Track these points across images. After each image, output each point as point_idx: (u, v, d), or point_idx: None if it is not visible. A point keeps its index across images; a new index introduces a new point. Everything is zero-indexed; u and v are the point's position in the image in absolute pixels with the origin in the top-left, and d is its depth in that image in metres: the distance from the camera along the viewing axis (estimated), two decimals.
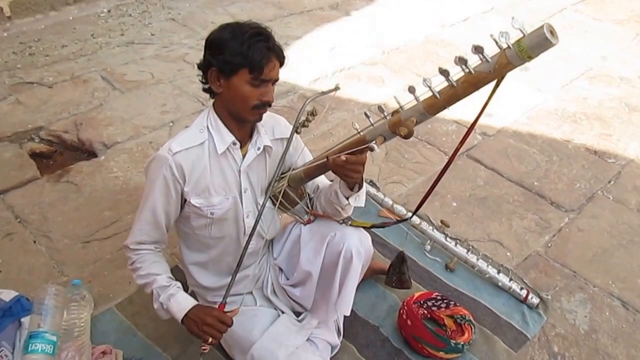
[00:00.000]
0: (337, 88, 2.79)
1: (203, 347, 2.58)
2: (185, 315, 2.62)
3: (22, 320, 3.07)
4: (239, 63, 2.43)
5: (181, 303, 2.66)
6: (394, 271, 3.32)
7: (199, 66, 2.61)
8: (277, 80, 2.57)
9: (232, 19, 2.59)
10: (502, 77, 2.00)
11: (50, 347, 2.79)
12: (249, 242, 2.67)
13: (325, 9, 8.06)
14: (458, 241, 4.00)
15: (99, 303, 3.44)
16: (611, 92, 6.44)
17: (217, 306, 2.75)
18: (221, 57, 2.46)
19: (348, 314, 2.96)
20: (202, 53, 2.59)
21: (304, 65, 6.19)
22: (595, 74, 6.81)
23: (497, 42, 1.92)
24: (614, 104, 6.20)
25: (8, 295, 3.19)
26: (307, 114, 2.74)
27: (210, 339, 2.54)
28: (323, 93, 2.80)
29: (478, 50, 1.93)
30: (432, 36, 7.48)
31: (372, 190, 4.44)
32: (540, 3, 8.78)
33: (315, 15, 7.82)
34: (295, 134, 2.82)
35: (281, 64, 2.56)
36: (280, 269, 3.17)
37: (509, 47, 1.90)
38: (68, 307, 3.06)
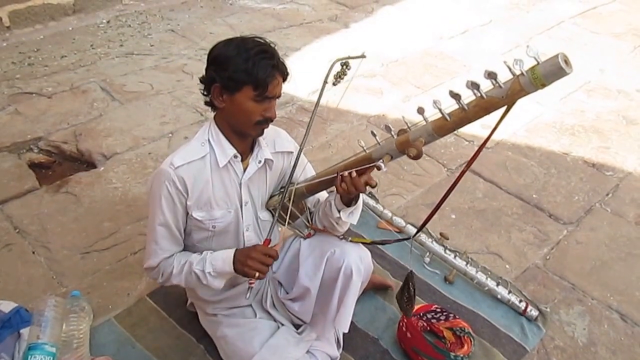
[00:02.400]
0: (363, 55, 2.84)
1: (250, 282, 2.60)
2: (234, 263, 2.65)
3: (22, 331, 3.08)
4: (244, 80, 2.44)
5: (223, 257, 2.70)
6: (408, 296, 3.32)
7: (202, 80, 2.61)
8: (279, 96, 2.58)
9: (231, 30, 2.60)
10: (513, 104, 2.01)
11: (50, 359, 2.80)
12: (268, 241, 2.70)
13: (325, 21, 8.09)
14: (457, 253, 4.00)
15: (98, 314, 3.44)
16: (609, 105, 6.46)
17: (217, 317, 2.76)
18: (225, 73, 2.47)
19: (346, 330, 2.96)
20: (203, 65, 2.59)
21: (302, 77, 6.19)
22: (593, 86, 6.84)
23: (510, 69, 1.93)
24: (611, 117, 6.22)
25: (7, 306, 3.20)
26: (342, 65, 2.78)
27: (257, 274, 2.56)
28: (350, 57, 2.86)
29: (491, 76, 1.94)
30: (430, 49, 7.51)
31: (371, 202, 4.45)
32: (538, 16, 8.82)
33: (314, 27, 7.86)
34: (296, 151, 2.85)
35: (284, 80, 2.57)
36: (280, 283, 3.17)
37: (522, 74, 1.90)
38: (67, 318, 3.08)
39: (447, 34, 7.97)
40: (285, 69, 2.55)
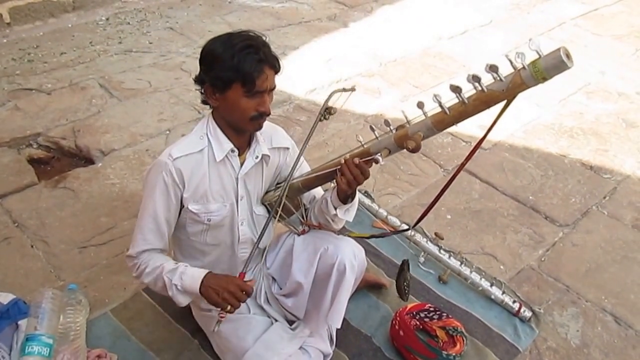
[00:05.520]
0: (353, 89, 2.86)
1: (221, 315, 2.57)
2: (202, 284, 2.61)
3: (19, 322, 3.10)
4: (231, 78, 2.45)
5: (194, 276, 2.64)
6: (404, 283, 3.33)
7: (195, 80, 2.63)
8: (273, 88, 2.58)
9: (230, 28, 2.60)
10: (514, 98, 2.02)
11: (47, 350, 2.82)
12: (258, 244, 2.73)
13: (323, 20, 8.09)
14: (452, 254, 4.01)
15: (94, 308, 3.45)
16: (608, 107, 6.46)
17: (211, 312, 2.78)
18: (213, 73, 2.49)
19: (339, 326, 2.96)
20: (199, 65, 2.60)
21: (300, 76, 6.20)
22: (593, 89, 6.83)
23: (512, 62, 1.94)
24: (611, 120, 6.22)
25: (6, 298, 3.22)
26: (326, 110, 2.80)
27: (229, 307, 2.53)
28: (345, 90, 2.87)
29: (492, 69, 1.95)
30: (429, 49, 7.51)
31: (367, 201, 4.46)
32: (539, 17, 8.82)
33: (313, 26, 7.86)
34: (293, 148, 2.86)
35: (276, 71, 2.57)
36: (273, 279, 3.18)
37: (524, 67, 1.91)
38: (64, 311, 3.10)
39: (447, 34, 7.96)
40: (275, 59, 2.55)
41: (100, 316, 3.43)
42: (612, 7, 9.47)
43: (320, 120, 2.86)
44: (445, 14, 8.68)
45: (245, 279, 2.62)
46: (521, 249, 4.33)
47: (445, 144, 5.46)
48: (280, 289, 3.11)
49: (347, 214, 2.84)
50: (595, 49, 7.91)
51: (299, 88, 6.07)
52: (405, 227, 4.20)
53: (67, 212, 4.25)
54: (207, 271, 2.67)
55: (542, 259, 4.25)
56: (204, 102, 2.67)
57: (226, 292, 2.54)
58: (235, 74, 2.43)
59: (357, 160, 2.48)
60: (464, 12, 8.79)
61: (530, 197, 4.88)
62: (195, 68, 2.60)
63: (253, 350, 2.84)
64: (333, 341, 3.23)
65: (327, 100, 2.86)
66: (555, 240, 4.44)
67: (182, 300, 2.72)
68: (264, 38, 2.57)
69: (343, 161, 2.54)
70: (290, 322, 3.15)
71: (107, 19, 7.51)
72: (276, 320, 3.09)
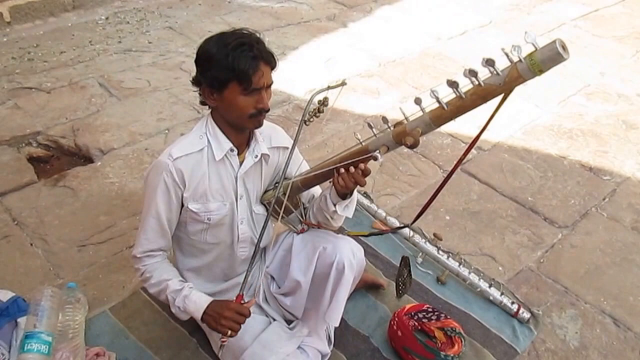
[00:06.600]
0: (343, 83, 2.79)
1: (222, 340, 2.58)
2: (204, 312, 2.64)
3: (19, 320, 3.11)
4: (227, 78, 2.45)
5: (197, 302, 2.67)
6: (404, 280, 3.33)
7: (192, 82, 2.64)
8: (270, 84, 2.58)
9: (229, 29, 2.58)
10: (511, 91, 2.02)
11: (46, 347, 2.82)
12: (256, 251, 2.69)
13: (322, 20, 8.09)
14: (450, 254, 4.00)
15: (93, 306, 3.46)
16: (608, 109, 6.45)
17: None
18: (209, 73, 2.49)
19: (337, 325, 2.97)
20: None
21: (299, 76, 6.19)
22: (592, 90, 6.82)
23: (508, 56, 1.94)
24: (610, 121, 6.21)
25: (5, 295, 3.23)
26: (319, 103, 2.74)
27: (229, 332, 2.54)
28: (330, 87, 2.78)
29: (489, 63, 1.95)
30: (428, 49, 7.51)
31: (366, 201, 4.46)
32: (539, 18, 8.82)
33: (312, 26, 7.85)
34: (293, 147, 2.84)
35: (272, 67, 2.56)
36: (272, 277, 3.18)
37: (520, 60, 1.91)
38: (63, 309, 3.11)
39: (446, 34, 7.97)
40: (270, 56, 2.54)
41: (99, 314, 3.44)
42: (612, 8, 9.47)
43: (311, 120, 2.81)
44: (444, 14, 8.68)
45: (245, 298, 2.62)
46: (520, 250, 4.33)
47: (445, 144, 5.45)
48: (279, 287, 3.12)
49: (346, 210, 2.83)
50: (595, 50, 7.91)
51: (298, 88, 6.07)
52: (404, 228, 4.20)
53: (67, 210, 4.26)
54: (210, 300, 2.69)
55: (541, 261, 4.25)
56: (203, 102, 2.67)
57: (223, 319, 2.56)
58: (231, 73, 2.43)
59: (362, 166, 2.48)
60: (464, 12, 8.79)
61: (529, 199, 4.88)
62: (194, 68, 2.60)
63: (251, 349, 2.85)
64: (331, 341, 3.24)
65: (308, 103, 2.76)
66: (554, 242, 4.44)
67: (183, 317, 2.78)
68: (257, 35, 2.56)
69: (343, 170, 2.55)
70: (289, 322, 3.15)
71: (107, 18, 7.51)
72: (274, 320, 3.10)
